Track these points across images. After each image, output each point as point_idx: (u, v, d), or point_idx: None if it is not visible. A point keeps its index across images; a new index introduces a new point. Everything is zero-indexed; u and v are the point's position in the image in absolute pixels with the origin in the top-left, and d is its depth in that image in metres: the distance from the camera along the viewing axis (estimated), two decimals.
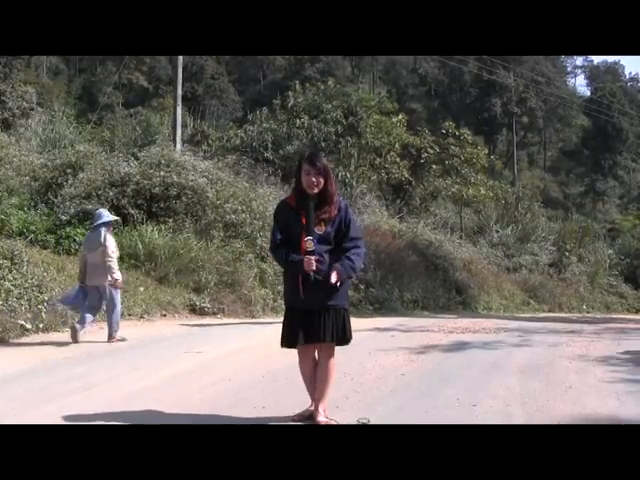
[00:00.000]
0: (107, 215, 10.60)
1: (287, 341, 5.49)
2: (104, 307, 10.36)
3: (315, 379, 5.55)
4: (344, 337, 5.47)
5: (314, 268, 5.23)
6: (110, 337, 10.12)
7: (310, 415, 5.55)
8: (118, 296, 10.37)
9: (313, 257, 5.23)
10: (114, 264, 10.19)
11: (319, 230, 5.32)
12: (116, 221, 11.75)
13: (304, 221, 5.31)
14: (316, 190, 5.33)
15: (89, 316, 10.03)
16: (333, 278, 5.24)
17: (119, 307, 10.38)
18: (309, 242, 5.25)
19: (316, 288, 5.29)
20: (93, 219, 10.71)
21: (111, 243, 10.30)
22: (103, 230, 10.27)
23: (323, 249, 5.34)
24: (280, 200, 5.87)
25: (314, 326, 5.34)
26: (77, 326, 9.82)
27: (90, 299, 10.17)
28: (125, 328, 10.88)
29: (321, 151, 24.85)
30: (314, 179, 5.30)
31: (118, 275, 10.27)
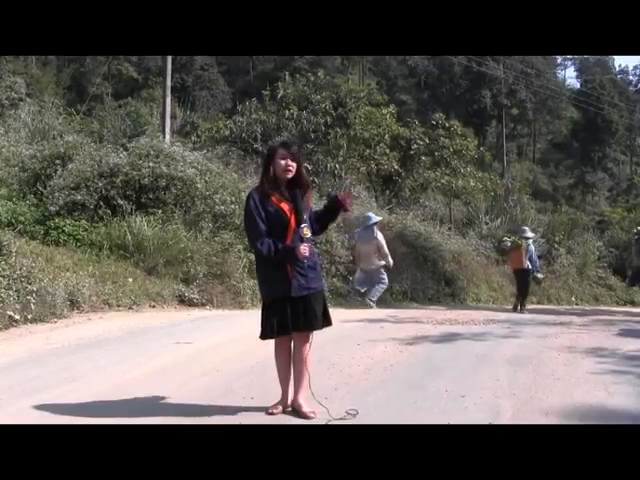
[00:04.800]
0: (375, 217, 15.77)
1: (270, 332, 5.49)
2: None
3: (290, 370, 5.58)
4: (329, 319, 5.59)
5: (308, 255, 5.24)
6: (370, 302, 15.04)
7: (285, 406, 5.58)
8: (385, 275, 15.55)
9: (307, 244, 5.25)
10: (388, 253, 15.44)
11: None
12: None
13: (284, 206, 5.30)
14: (290, 175, 5.34)
15: (375, 290, 15.27)
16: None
17: (386, 283, 15.73)
18: (306, 229, 5.27)
19: (306, 274, 5.32)
20: (365, 221, 15.66)
21: (382, 237, 15.52)
22: (375, 228, 15.40)
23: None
24: (251, 191, 5.63)
25: (302, 314, 5.36)
26: (368, 301, 15.01)
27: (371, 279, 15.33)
28: (114, 319, 10.92)
29: (310, 142, 24.83)
30: (290, 163, 5.32)
31: (390, 259, 15.43)
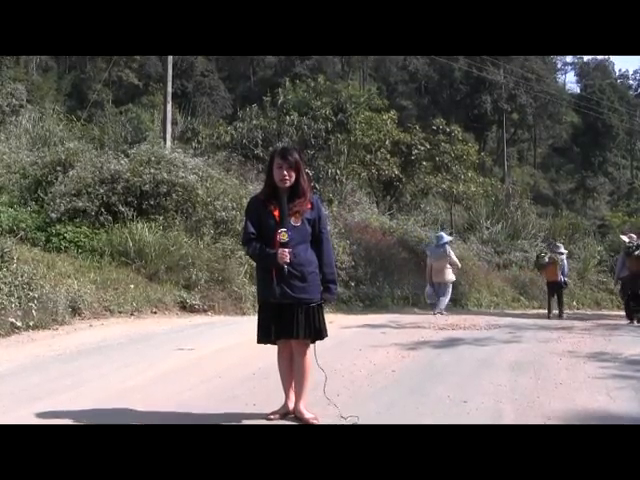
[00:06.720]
0: (446, 237, 18.30)
1: (261, 336, 5.50)
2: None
3: (291, 376, 5.55)
4: (319, 333, 5.47)
5: (288, 260, 5.22)
6: (438, 312, 16.67)
7: (286, 413, 5.55)
8: (450, 289, 17.70)
9: (287, 249, 5.23)
10: (458, 263, 18.09)
11: (295, 222, 5.32)
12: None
13: (276, 213, 5.30)
14: (287, 184, 5.32)
15: (442, 301, 17.25)
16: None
17: (449, 296, 17.65)
18: (283, 233, 5.24)
19: (290, 282, 5.28)
20: (437, 240, 17.99)
21: (453, 254, 18.01)
22: (447, 246, 17.66)
23: (300, 245, 5.35)
24: (252, 196, 5.86)
25: (287, 321, 5.33)
26: (436, 313, 16.62)
27: (438, 291, 17.42)
28: (115, 326, 10.92)
29: (311, 148, 24.86)
30: (285, 172, 5.29)
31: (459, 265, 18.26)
